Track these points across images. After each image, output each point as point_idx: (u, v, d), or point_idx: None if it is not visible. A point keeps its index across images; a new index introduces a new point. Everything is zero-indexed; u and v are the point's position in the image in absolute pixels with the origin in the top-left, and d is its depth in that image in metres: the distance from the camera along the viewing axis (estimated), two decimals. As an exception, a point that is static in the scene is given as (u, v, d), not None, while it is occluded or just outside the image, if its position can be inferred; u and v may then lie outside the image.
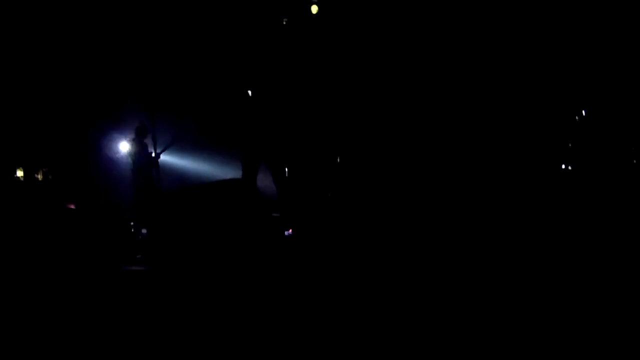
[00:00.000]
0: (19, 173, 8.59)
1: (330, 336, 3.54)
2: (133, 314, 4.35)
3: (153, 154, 8.71)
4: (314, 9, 7.90)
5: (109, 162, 9.32)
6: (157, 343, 3.66)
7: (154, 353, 3.53)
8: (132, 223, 8.18)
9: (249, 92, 7.59)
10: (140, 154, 8.62)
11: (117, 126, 9.25)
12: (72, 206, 8.27)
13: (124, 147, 8.88)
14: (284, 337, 3.59)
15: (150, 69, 9.24)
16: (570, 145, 7.71)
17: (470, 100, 7.98)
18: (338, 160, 8.20)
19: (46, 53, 8.91)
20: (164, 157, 9.06)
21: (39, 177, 8.68)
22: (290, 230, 7.47)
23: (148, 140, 8.72)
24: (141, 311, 4.42)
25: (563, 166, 7.70)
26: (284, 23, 7.93)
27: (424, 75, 8.10)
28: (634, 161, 7.19)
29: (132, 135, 8.67)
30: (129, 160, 8.64)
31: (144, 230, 7.98)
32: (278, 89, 8.11)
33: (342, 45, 8.13)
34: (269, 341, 3.53)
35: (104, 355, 3.54)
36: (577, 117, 7.74)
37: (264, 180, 7.64)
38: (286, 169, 7.72)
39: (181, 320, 4.06)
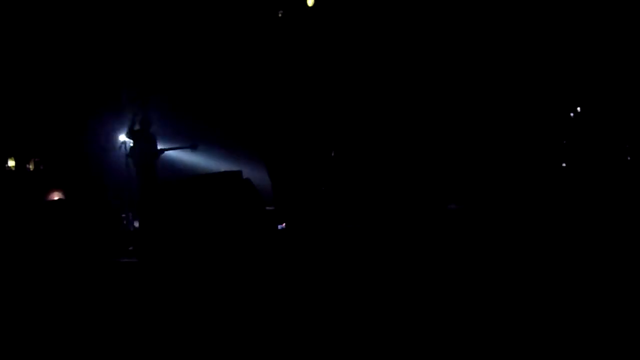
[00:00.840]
0: (11, 163, 8.52)
1: (322, 331, 3.49)
2: (121, 306, 4.31)
3: (157, 147, 8.61)
4: (310, 1, 7.84)
5: (104, 154, 9.22)
6: (144, 336, 3.62)
7: (141, 345, 3.48)
8: (123, 215, 8.11)
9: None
10: (144, 146, 8.50)
11: (114, 117, 9.14)
12: (60, 195, 8.21)
13: (122, 139, 8.78)
14: (275, 330, 3.55)
15: (147, 60, 9.14)
16: (564, 142, 7.69)
17: (466, 96, 7.95)
18: (332, 154, 8.15)
19: (40, 42, 8.79)
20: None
21: (31, 167, 8.62)
22: (284, 224, 7.43)
23: (151, 133, 8.60)
24: (129, 303, 4.39)
25: (557, 163, 7.67)
26: (280, 15, 7.87)
27: (421, 69, 8.04)
28: (628, 158, 7.18)
29: (136, 127, 8.56)
30: (132, 152, 8.50)
31: (136, 223, 7.91)
32: (273, 83, 8.05)
33: (338, 38, 8.07)
34: (259, 334, 3.49)
35: (89, 348, 3.49)
36: (571, 114, 7.72)
37: (259, 174, 7.60)
38: (281, 162, 7.66)
39: (170, 314, 4.01)
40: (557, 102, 7.82)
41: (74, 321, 3.93)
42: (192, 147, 8.78)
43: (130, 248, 7.02)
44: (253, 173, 7.35)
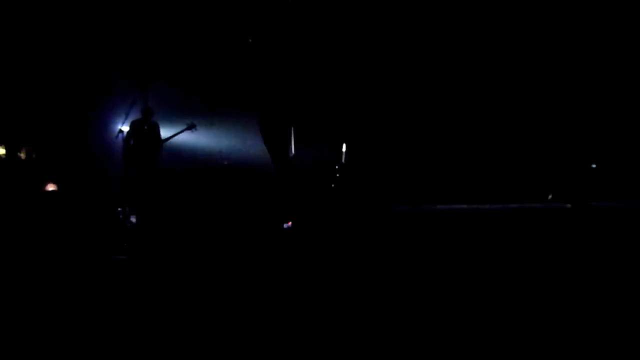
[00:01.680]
0: (1, 151, 8.32)
1: (326, 334, 3.36)
2: (115, 305, 4.12)
3: (161, 137, 8.40)
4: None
5: (100, 144, 9.02)
6: (140, 335, 3.44)
7: (136, 344, 3.31)
8: (119, 209, 7.90)
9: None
10: (146, 136, 8.28)
11: (110, 105, 8.95)
12: (54, 187, 8.05)
13: (120, 128, 8.55)
14: (275, 332, 3.43)
15: (146, 46, 8.91)
16: (589, 143, 7.51)
17: (488, 92, 7.81)
18: (343, 149, 7.94)
19: (33, 28, 8.55)
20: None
21: (22, 155, 8.43)
22: (290, 223, 7.22)
23: (153, 123, 8.38)
24: (123, 302, 4.20)
25: (587, 164, 7.48)
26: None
27: (441, 63, 7.91)
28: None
29: (137, 117, 8.35)
30: (131, 142, 8.27)
31: (132, 218, 7.72)
32: (281, 72, 7.88)
33: (350, 26, 7.94)
34: (261, 336, 3.37)
35: (83, 345, 3.29)
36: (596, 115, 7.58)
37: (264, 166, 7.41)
38: (289, 158, 7.45)
39: (167, 314, 3.83)
40: (586, 99, 7.59)
41: (66, 319, 3.76)
42: (190, 127, 8.59)
43: (125, 244, 6.80)
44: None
